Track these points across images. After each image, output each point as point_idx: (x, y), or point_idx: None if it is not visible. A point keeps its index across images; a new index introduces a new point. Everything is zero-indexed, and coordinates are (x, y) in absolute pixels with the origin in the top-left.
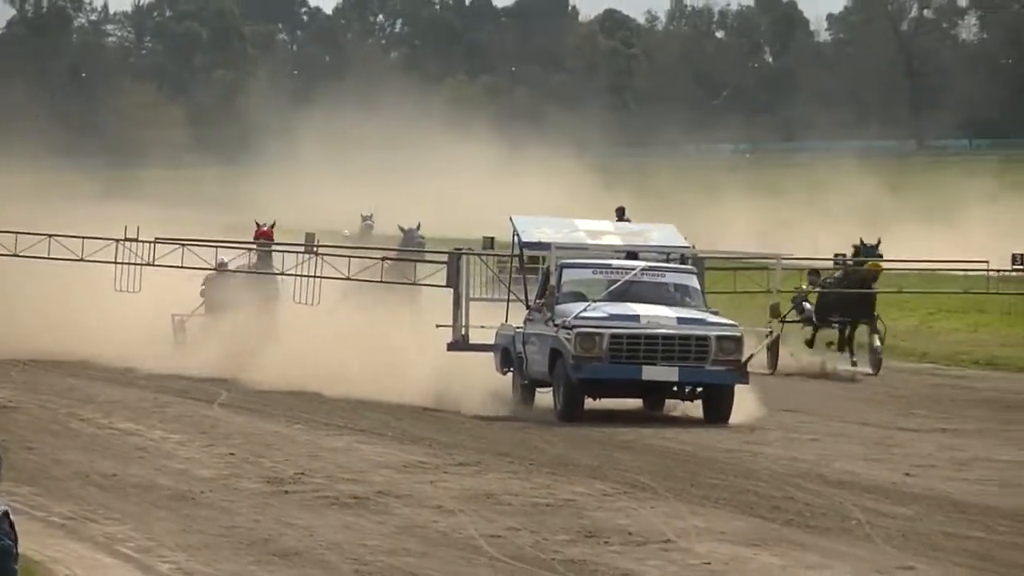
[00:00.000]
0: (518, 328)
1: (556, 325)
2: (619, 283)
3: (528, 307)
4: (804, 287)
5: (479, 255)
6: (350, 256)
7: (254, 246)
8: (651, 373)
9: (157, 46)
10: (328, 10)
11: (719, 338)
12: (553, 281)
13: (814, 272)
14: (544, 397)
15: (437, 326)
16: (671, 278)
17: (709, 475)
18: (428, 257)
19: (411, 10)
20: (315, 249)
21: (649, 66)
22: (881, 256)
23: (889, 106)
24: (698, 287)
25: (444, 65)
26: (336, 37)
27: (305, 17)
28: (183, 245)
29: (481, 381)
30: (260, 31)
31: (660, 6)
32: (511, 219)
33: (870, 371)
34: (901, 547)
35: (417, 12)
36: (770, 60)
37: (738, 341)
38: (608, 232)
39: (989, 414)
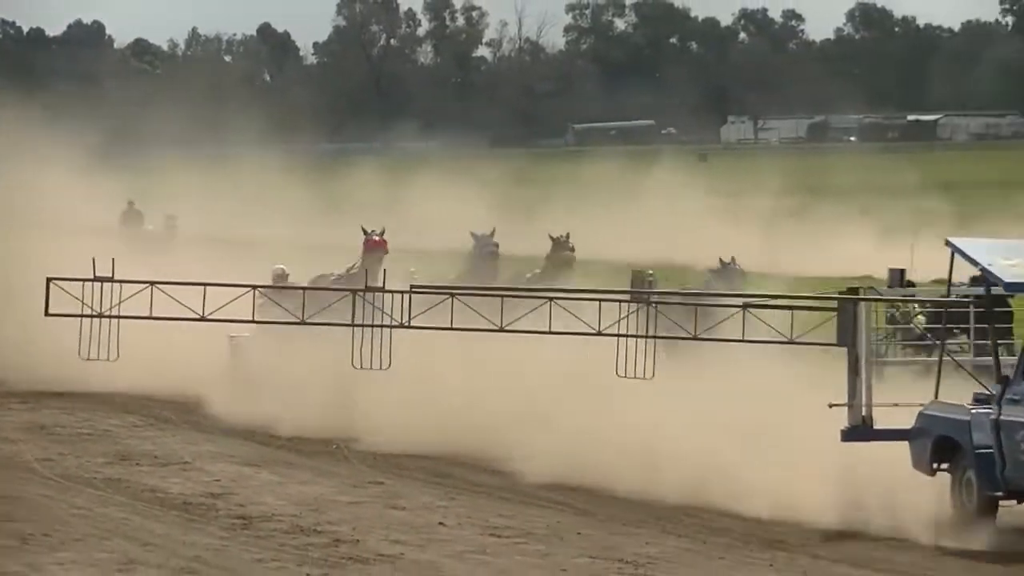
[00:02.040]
0: (976, 410)
1: None
2: None
3: (1005, 380)
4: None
5: (897, 302)
6: (697, 304)
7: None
8: None
9: None
10: None
11: None
12: None
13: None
14: None
15: (830, 405)
16: None
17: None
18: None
19: None
20: (647, 296)
21: (172, 84)
22: None
23: (362, 117)
24: None
25: (3, 85)
26: None
27: None
28: (452, 294)
29: (890, 485)
30: None
31: (180, 35)
32: (948, 242)
33: None
34: (373, 466)
35: None
36: (269, 80)
37: None
38: None
39: None
